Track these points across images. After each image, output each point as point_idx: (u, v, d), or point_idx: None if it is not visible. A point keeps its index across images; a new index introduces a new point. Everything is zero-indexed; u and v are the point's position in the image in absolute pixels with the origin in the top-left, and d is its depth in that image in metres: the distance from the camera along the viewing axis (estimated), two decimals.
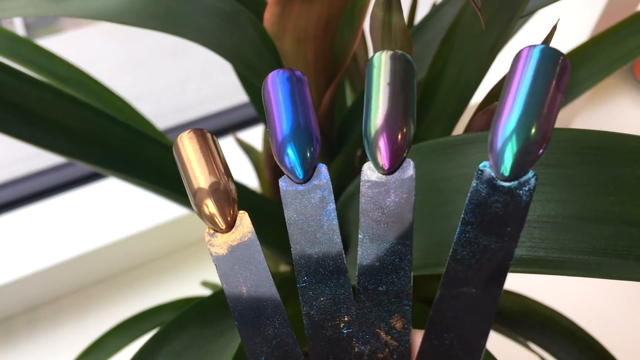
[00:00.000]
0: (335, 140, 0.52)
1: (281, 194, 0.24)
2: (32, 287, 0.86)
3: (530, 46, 0.20)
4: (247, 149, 0.66)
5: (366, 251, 0.22)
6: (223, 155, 0.24)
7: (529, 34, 0.66)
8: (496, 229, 0.20)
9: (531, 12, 0.43)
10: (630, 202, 0.28)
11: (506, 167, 0.19)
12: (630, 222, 0.28)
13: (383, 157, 0.21)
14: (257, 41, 0.44)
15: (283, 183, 0.24)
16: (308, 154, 0.23)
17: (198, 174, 0.23)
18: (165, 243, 0.93)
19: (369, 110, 0.22)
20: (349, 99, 0.64)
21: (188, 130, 0.24)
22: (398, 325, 0.22)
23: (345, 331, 0.23)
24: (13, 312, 0.88)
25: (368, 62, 0.23)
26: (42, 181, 0.92)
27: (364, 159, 0.54)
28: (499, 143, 0.19)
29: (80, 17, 0.38)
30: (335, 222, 0.23)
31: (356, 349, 0.22)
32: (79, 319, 0.88)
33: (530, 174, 0.20)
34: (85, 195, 0.91)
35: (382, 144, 0.21)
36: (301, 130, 0.22)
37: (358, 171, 0.56)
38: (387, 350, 0.22)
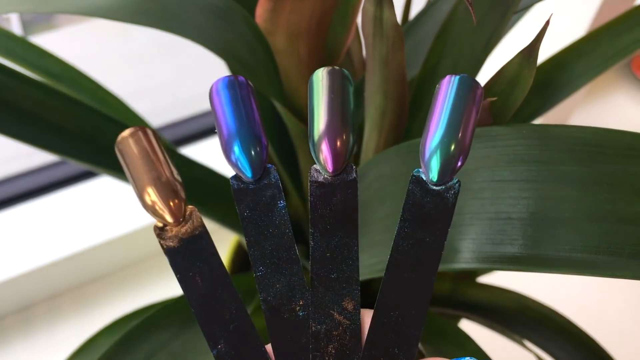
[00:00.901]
0: None
1: (232, 191, 0.25)
2: (26, 286, 0.85)
3: (451, 75, 0.24)
4: None
5: (317, 244, 0.25)
6: (164, 151, 0.24)
7: (523, 30, 0.65)
8: (429, 225, 0.24)
9: (526, 8, 0.42)
10: (624, 200, 0.28)
11: (434, 174, 0.23)
12: (623, 219, 0.27)
13: (327, 162, 0.24)
14: (250, 38, 0.43)
15: (233, 181, 0.25)
16: (254, 154, 0.24)
17: (139, 167, 0.23)
18: (156, 242, 0.92)
19: (312, 120, 0.24)
20: None
21: (126, 130, 0.24)
22: (349, 306, 0.25)
23: (301, 314, 0.25)
24: (7, 311, 0.87)
25: (309, 78, 0.25)
26: (36, 179, 0.92)
27: (358, 155, 0.53)
28: (427, 155, 0.23)
29: (72, 13, 0.37)
30: (287, 217, 0.25)
31: (313, 329, 0.24)
32: (74, 317, 0.88)
33: (454, 180, 0.24)
34: (80, 193, 0.91)
35: (326, 149, 0.23)
36: (245, 130, 0.23)
37: None
38: (340, 328, 0.24)
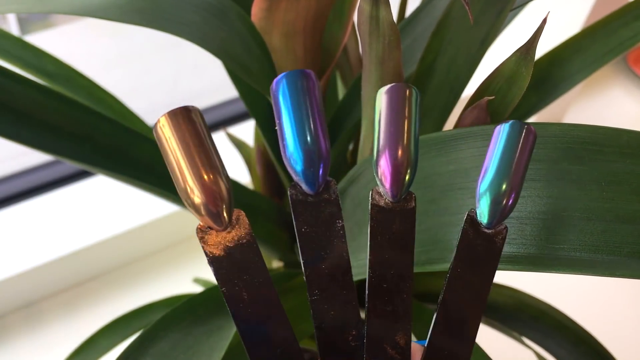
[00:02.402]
0: None
1: (290, 202, 0.24)
2: (25, 285, 0.85)
3: (503, 122, 0.25)
4: (239, 144, 0.66)
5: (376, 272, 0.24)
6: (211, 139, 0.22)
7: (520, 27, 0.65)
8: (478, 267, 0.25)
9: (522, 5, 0.42)
10: (622, 198, 0.28)
11: (484, 214, 0.24)
12: (622, 218, 0.27)
13: (390, 190, 0.24)
14: (245, 36, 0.43)
15: (292, 191, 0.24)
16: (320, 170, 0.23)
17: (186, 168, 0.21)
18: (157, 240, 0.92)
19: (379, 143, 0.24)
20: (340, 92, 0.63)
21: (169, 111, 0.21)
22: (402, 342, 0.25)
23: (353, 344, 0.25)
24: (6, 310, 0.87)
25: (375, 95, 0.25)
26: (34, 178, 0.92)
27: (356, 153, 0.53)
28: (479, 195, 0.24)
29: (65, 13, 0.37)
30: (344, 239, 0.24)
31: None
32: (72, 315, 0.88)
33: (502, 226, 0.25)
34: (78, 191, 0.90)
35: (390, 180, 0.23)
36: (314, 146, 0.22)
37: (350, 165, 0.55)
38: None
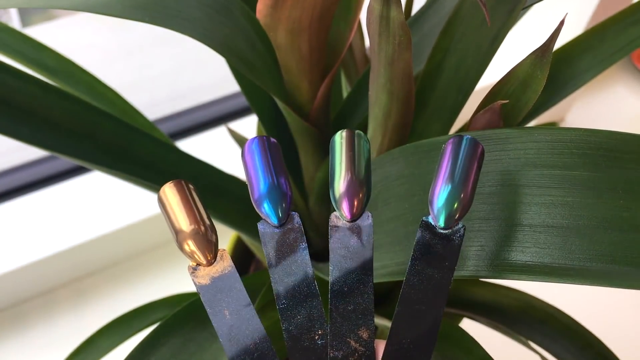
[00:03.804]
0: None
1: (260, 234, 0.28)
2: (21, 281, 0.85)
3: (457, 136, 0.28)
4: (240, 139, 0.65)
5: (336, 280, 0.28)
6: (201, 203, 0.28)
7: (527, 24, 0.64)
8: (437, 263, 0.27)
9: (533, 3, 0.41)
10: None
11: (440, 222, 0.27)
12: (639, 227, 0.26)
13: (346, 212, 0.27)
14: (249, 33, 0.42)
15: (261, 226, 0.28)
16: (280, 209, 0.28)
17: (181, 219, 0.27)
18: (158, 235, 0.92)
19: (333, 177, 0.28)
20: (345, 91, 0.62)
21: (170, 182, 0.28)
22: (365, 335, 0.27)
23: (320, 342, 0.27)
24: (4, 305, 0.87)
25: (331, 139, 0.29)
26: (33, 172, 0.91)
27: None
28: (435, 207, 0.27)
29: (66, 8, 0.36)
30: (307, 257, 0.28)
31: (331, 355, 0.27)
32: (69, 311, 0.87)
33: (459, 225, 0.27)
34: (76, 186, 0.90)
35: (345, 204, 0.27)
36: (275, 191, 0.28)
37: None
38: (356, 354, 0.27)
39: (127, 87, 0.64)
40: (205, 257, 0.27)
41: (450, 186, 0.27)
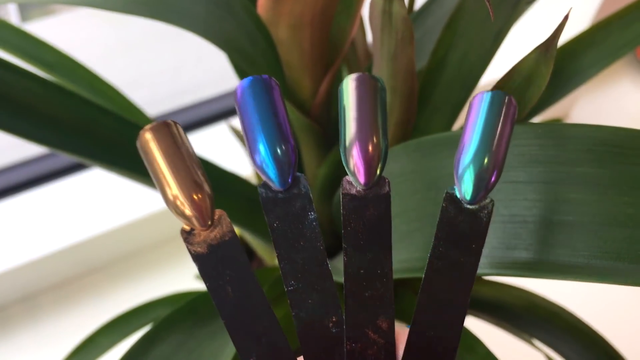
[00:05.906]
0: (332, 131, 0.51)
1: (261, 201, 0.24)
2: (30, 276, 0.85)
3: (483, 92, 0.24)
4: (241, 136, 0.65)
5: (350, 259, 0.24)
6: (192, 148, 0.23)
7: (531, 19, 0.64)
8: (463, 245, 0.24)
9: None
10: None
11: (467, 192, 0.23)
12: None
13: (360, 174, 0.23)
14: (251, 28, 0.42)
15: (262, 190, 0.24)
16: (280, 154, 0.23)
17: (167, 172, 0.22)
18: (159, 233, 0.92)
19: (343, 130, 0.23)
20: None
21: (150, 125, 0.23)
22: (384, 325, 0.24)
23: (334, 330, 0.24)
24: (11, 301, 0.87)
25: (339, 87, 0.24)
26: (34, 169, 0.91)
27: None
28: (460, 170, 0.23)
29: (67, 4, 0.36)
30: (318, 230, 0.24)
31: (348, 347, 0.24)
32: (73, 308, 0.87)
33: (487, 200, 0.24)
34: (79, 183, 0.90)
35: (359, 162, 0.23)
36: (270, 127, 0.23)
37: None
38: (375, 347, 0.25)
39: (127, 83, 0.64)
40: (202, 218, 0.23)
41: (477, 144, 0.23)
